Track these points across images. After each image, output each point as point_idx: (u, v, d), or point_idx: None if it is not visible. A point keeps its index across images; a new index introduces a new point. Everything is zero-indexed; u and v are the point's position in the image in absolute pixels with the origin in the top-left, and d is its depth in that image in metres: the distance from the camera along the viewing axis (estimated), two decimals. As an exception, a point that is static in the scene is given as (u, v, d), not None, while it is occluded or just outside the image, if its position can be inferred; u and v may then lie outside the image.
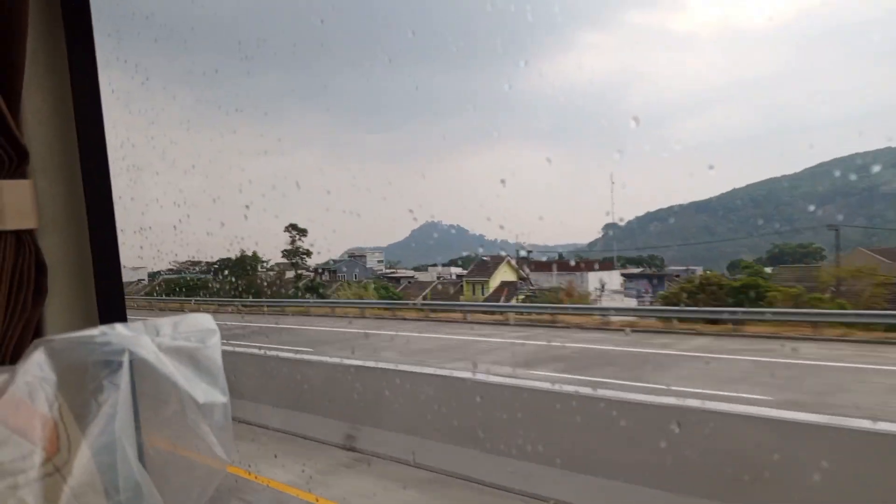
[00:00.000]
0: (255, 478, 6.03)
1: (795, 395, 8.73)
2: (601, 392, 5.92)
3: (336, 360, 7.74)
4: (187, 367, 0.67)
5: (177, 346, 0.68)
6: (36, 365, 0.56)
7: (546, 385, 6.42)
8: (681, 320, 16.46)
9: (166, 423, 0.66)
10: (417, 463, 6.12)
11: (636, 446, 4.89)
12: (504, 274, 28.88)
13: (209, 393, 0.68)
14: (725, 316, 15.84)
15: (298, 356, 9.12)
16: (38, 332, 1.16)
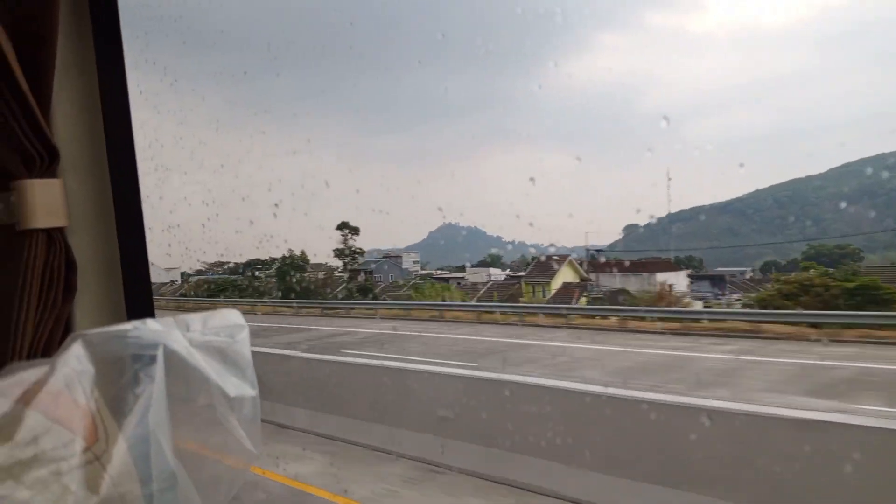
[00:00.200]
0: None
1: None
2: None
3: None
4: (217, 362, 0.69)
5: (207, 340, 0.69)
6: (74, 357, 0.57)
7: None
8: (792, 324, 15.36)
9: (197, 415, 0.67)
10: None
11: None
12: (565, 275, 27.22)
13: (239, 387, 0.70)
14: (848, 320, 14.71)
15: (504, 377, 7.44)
16: (67, 328, 1.18)
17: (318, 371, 8.62)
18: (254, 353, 0.74)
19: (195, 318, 0.72)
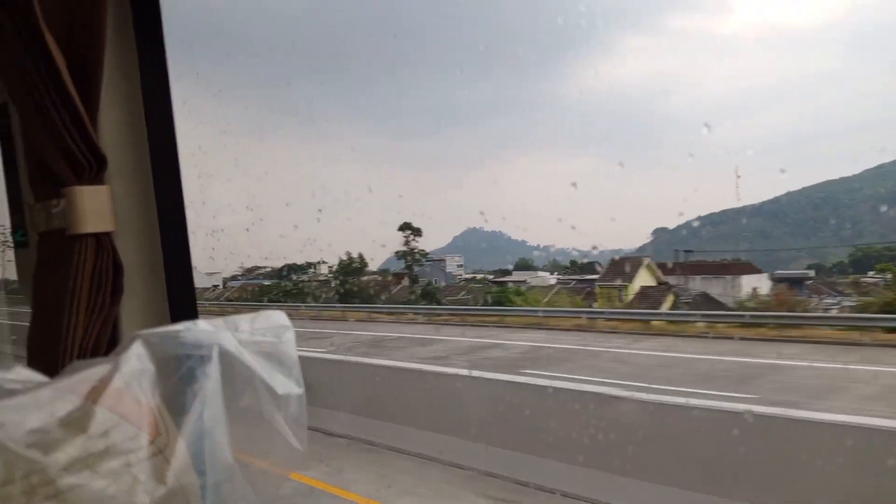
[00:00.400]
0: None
1: None
2: None
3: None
4: (265, 361, 0.72)
5: (255, 340, 0.72)
6: (135, 356, 0.61)
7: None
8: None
9: (247, 412, 0.70)
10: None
11: None
12: (643, 278, 24.67)
13: (286, 385, 0.72)
14: None
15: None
16: (114, 329, 1.23)
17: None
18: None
19: (243, 319, 0.75)
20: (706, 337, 15.91)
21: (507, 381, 9.07)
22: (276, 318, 0.79)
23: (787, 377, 10.95)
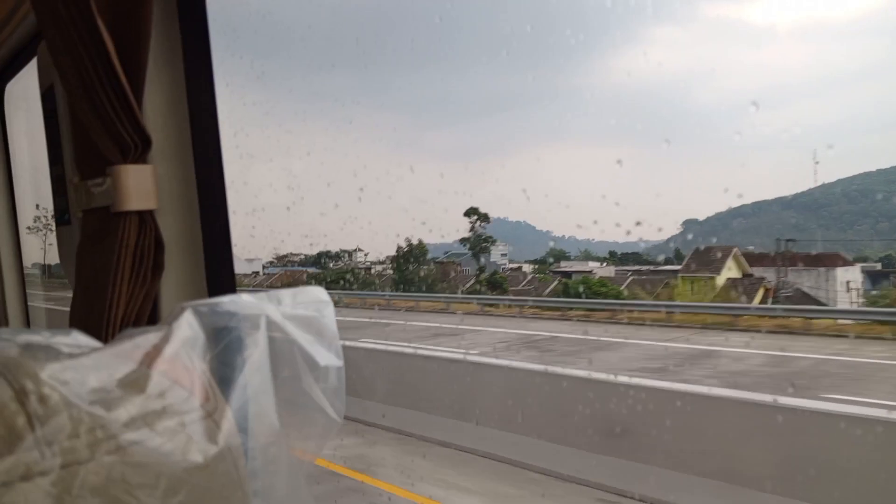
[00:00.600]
0: None
1: None
2: None
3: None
4: (307, 333, 0.74)
5: (297, 314, 0.75)
6: (186, 324, 0.63)
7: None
8: None
9: (289, 381, 0.73)
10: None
11: None
12: (731, 270, 21.65)
13: (327, 357, 0.75)
14: None
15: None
16: (155, 304, 1.27)
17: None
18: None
19: (285, 293, 0.78)
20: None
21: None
22: (316, 293, 0.81)
23: None
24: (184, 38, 1.29)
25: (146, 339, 0.62)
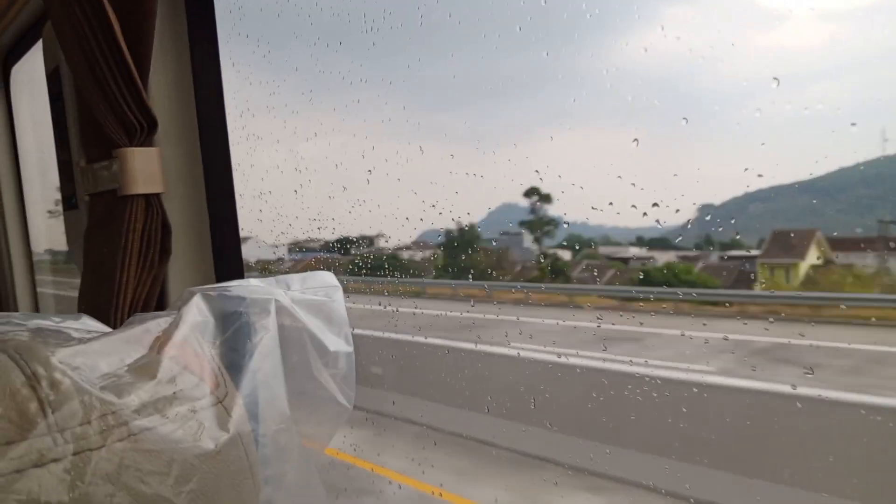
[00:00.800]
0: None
1: None
2: None
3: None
4: (316, 318, 0.74)
5: (306, 299, 0.74)
6: (195, 309, 0.63)
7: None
8: None
9: (298, 367, 0.72)
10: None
11: None
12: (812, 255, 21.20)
13: (336, 342, 0.74)
14: None
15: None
16: (163, 288, 1.27)
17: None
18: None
19: (294, 278, 0.77)
20: None
21: None
22: (325, 277, 0.80)
23: None
24: (189, 16, 1.28)
25: (155, 324, 0.62)
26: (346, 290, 0.83)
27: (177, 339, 0.59)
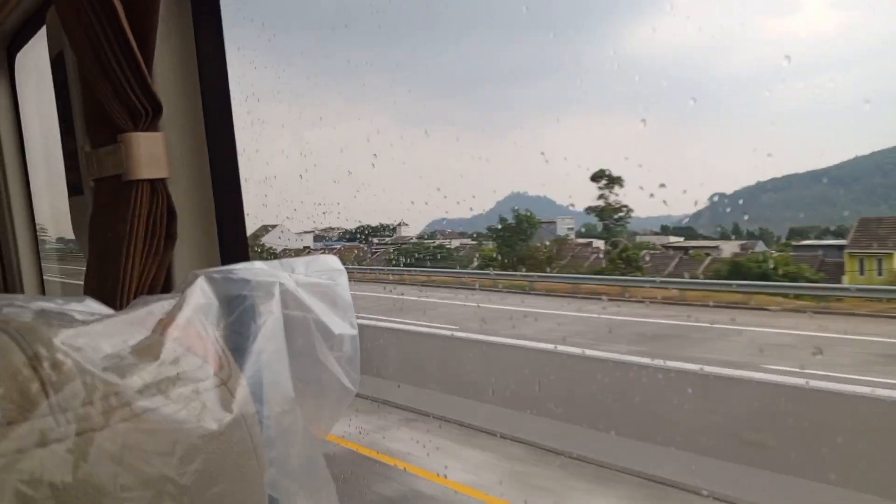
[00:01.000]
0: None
1: None
2: None
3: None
4: (321, 301, 0.74)
5: (311, 282, 0.74)
6: (199, 291, 0.62)
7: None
8: None
9: (302, 350, 0.72)
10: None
11: None
12: None
13: (341, 326, 0.74)
14: None
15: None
16: (168, 273, 1.27)
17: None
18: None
19: (298, 262, 0.77)
20: None
21: None
22: (330, 261, 0.80)
23: None
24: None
25: (159, 306, 0.61)
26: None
27: (180, 321, 0.59)
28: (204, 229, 1.31)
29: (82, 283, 1.36)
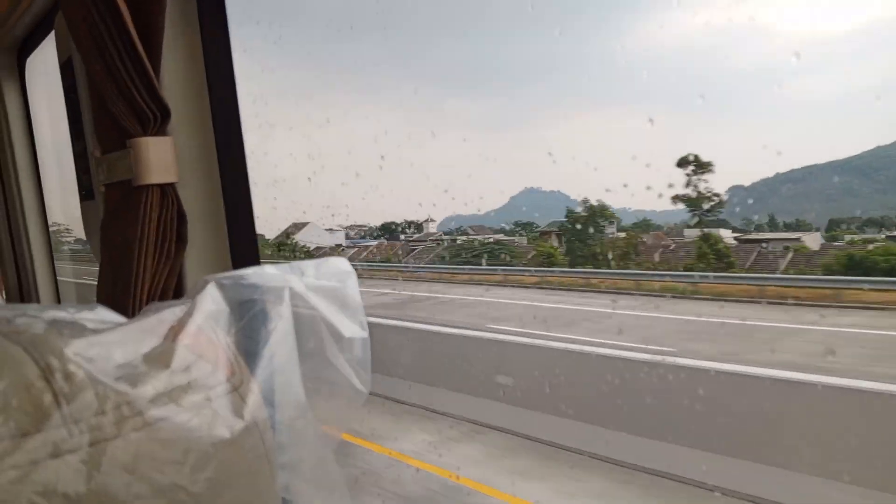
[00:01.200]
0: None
1: None
2: None
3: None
4: (331, 304, 0.74)
5: (321, 285, 0.74)
6: (209, 298, 0.63)
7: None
8: None
9: (313, 353, 0.72)
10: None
11: None
12: None
13: (351, 328, 0.74)
14: None
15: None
16: (180, 278, 1.27)
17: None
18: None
19: (308, 265, 0.77)
20: None
21: None
22: (339, 264, 0.80)
23: None
24: (199, 2, 1.27)
25: (170, 313, 0.61)
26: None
27: (191, 328, 0.59)
28: (214, 233, 1.31)
29: (96, 283, 1.37)
